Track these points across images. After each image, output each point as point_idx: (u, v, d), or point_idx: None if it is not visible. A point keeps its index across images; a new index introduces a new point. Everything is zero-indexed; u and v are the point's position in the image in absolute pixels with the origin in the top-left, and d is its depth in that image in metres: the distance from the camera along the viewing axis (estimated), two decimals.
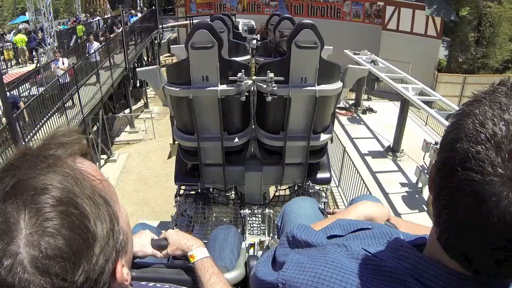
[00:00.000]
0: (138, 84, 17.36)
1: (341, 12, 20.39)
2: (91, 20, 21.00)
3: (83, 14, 22.95)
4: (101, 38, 15.85)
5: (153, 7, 20.90)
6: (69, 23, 21.32)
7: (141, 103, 16.98)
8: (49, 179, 0.46)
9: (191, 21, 20.03)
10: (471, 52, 18.93)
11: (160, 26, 21.38)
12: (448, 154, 0.50)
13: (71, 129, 0.61)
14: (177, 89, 2.66)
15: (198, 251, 1.13)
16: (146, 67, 2.81)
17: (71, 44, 16.58)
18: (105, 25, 19.81)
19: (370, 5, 19.67)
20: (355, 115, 12.14)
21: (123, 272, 0.54)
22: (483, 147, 0.46)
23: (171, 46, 5.14)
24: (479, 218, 0.47)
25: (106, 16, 23.82)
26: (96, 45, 13.50)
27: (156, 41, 20.10)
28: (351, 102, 13.06)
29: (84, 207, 0.47)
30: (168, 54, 21.97)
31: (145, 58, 19.62)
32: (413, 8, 17.69)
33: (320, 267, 0.65)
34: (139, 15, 19.71)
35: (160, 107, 15.37)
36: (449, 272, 0.56)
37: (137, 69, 2.95)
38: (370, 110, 12.35)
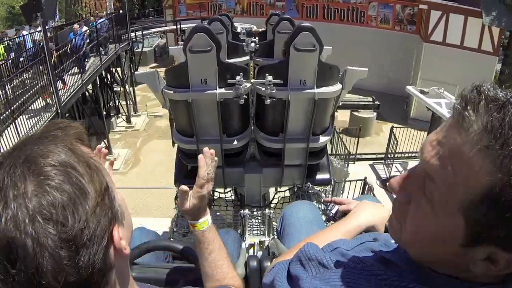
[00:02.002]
0: (105, 112, 13.83)
1: (366, 16, 16.12)
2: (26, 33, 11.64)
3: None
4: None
5: (120, 10, 16.51)
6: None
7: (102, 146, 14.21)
8: (50, 148, 0.53)
9: (179, 26, 17.95)
10: None
11: (139, 32, 18.38)
12: None
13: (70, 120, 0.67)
14: (176, 92, 2.67)
15: (202, 221, 1.10)
16: (145, 71, 2.83)
17: None
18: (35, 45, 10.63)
19: (401, 8, 15.41)
20: None
21: (121, 242, 0.58)
22: None
23: (169, 47, 5.09)
24: None
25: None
26: None
27: (127, 55, 16.03)
28: (410, 163, 9.62)
29: (80, 169, 0.53)
30: (155, 64, 19.44)
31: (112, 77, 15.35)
32: (465, 15, 13.22)
33: None
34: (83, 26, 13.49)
35: (129, 149, 13.34)
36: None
37: (136, 73, 2.95)
38: None
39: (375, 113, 13.25)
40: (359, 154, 10.35)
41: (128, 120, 15.40)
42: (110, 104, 15.40)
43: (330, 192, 3.39)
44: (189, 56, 2.50)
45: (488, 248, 0.51)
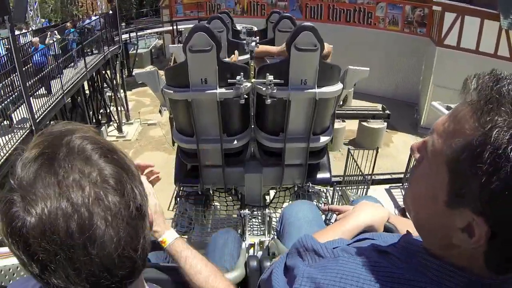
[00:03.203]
0: (95, 119, 12.75)
1: (373, 17, 15.17)
2: None
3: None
4: None
5: (110, 11, 15.09)
6: None
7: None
8: (88, 135, 0.55)
9: (175, 27, 17.54)
10: None
11: (134, 34, 17.78)
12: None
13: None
14: (176, 92, 2.66)
15: (167, 235, 1.10)
16: (144, 70, 2.82)
17: None
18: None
19: (411, 9, 14.44)
20: None
21: (152, 216, 0.64)
22: None
23: (169, 45, 5.08)
24: None
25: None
26: None
27: (117, 59, 14.59)
28: None
29: (119, 153, 0.57)
30: (151, 67, 19.29)
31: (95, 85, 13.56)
32: (482, 18, 12.22)
33: (335, 282, 0.63)
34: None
35: None
36: (472, 279, 0.57)
37: (135, 72, 2.94)
38: None
39: (385, 123, 12.22)
40: (375, 174, 9.06)
41: (119, 129, 14.03)
42: (101, 111, 14.21)
43: (327, 199, 3.38)
44: (189, 55, 2.49)
45: (467, 213, 0.53)
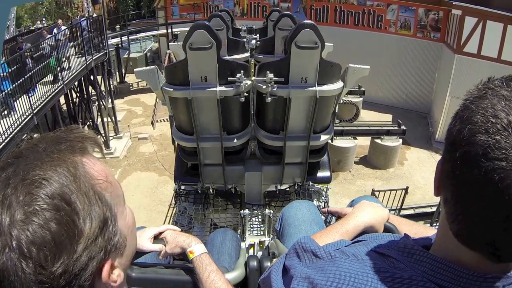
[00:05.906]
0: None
1: (384, 21, 14.05)
2: None
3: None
4: None
5: (93, 16, 13.80)
6: None
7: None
8: (48, 174, 0.49)
9: (169, 30, 16.96)
10: None
11: (125, 37, 17.05)
12: (466, 149, 0.51)
13: (85, 129, 0.63)
14: (176, 90, 2.65)
15: (196, 247, 1.13)
16: (144, 67, 2.80)
17: None
18: None
19: (424, 12, 13.34)
20: None
21: (113, 273, 0.55)
22: (502, 136, 0.48)
23: (169, 44, 5.06)
24: (508, 203, 0.48)
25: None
26: None
27: (105, 66, 13.37)
28: None
29: (76, 204, 0.49)
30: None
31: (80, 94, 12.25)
32: (504, 23, 11.05)
33: (332, 282, 0.63)
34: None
35: None
36: (466, 272, 0.57)
37: (135, 70, 2.93)
38: None
39: (400, 140, 11.00)
40: (404, 208, 7.70)
41: (106, 144, 12.48)
42: (88, 123, 13.01)
43: (327, 197, 3.37)
44: (189, 53, 2.48)
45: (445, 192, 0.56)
